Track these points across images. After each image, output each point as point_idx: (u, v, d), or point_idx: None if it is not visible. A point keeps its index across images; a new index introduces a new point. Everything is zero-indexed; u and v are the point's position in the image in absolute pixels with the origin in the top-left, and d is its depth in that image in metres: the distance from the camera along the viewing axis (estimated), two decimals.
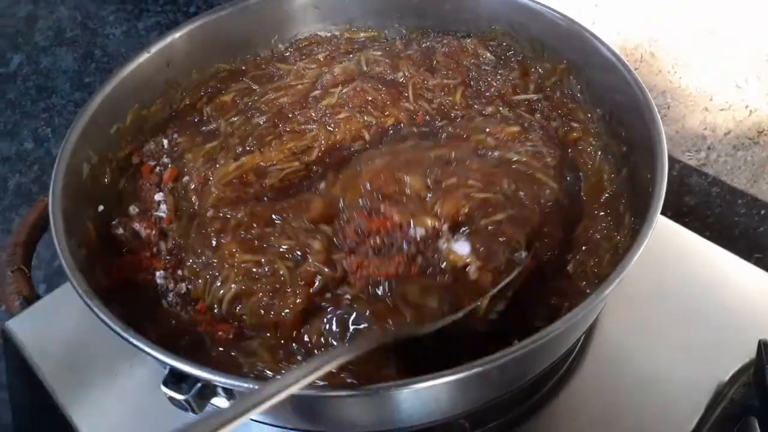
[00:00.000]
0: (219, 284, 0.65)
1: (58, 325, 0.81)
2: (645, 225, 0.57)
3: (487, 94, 0.84)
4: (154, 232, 0.72)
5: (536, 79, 0.85)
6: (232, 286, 0.65)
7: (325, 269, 0.64)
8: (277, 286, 0.64)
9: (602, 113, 0.78)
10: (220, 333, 0.64)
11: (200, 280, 0.67)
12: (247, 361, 0.60)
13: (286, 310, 0.62)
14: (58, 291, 0.84)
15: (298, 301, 0.63)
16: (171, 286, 0.69)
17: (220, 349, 0.62)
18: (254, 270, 0.65)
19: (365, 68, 0.86)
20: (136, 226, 0.72)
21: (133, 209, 0.75)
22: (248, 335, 0.63)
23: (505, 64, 0.87)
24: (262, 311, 0.63)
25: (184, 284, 0.69)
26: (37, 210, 0.88)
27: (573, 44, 0.78)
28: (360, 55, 0.88)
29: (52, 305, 0.83)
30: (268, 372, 0.59)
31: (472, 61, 0.86)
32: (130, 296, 0.66)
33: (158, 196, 0.75)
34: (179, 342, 0.63)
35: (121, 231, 0.72)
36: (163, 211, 0.74)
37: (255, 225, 0.68)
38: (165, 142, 0.80)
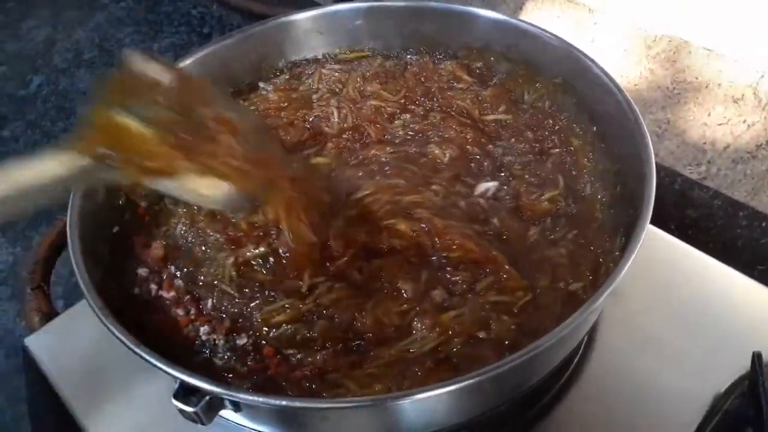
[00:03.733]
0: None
1: (76, 340, 0.84)
2: (632, 240, 0.59)
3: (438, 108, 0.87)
4: (173, 293, 0.71)
5: (520, 99, 0.87)
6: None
7: None
8: None
9: (597, 130, 0.79)
10: (296, 373, 0.64)
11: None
12: (332, 393, 0.61)
13: None
14: (75, 308, 0.87)
15: None
16: (221, 341, 0.66)
17: (302, 385, 0.63)
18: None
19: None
20: (153, 288, 0.71)
21: (142, 271, 0.73)
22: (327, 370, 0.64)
23: (482, 83, 0.89)
24: None
25: (247, 337, 0.66)
26: (56, 229, 0.92)
27: (566, 64, 0.81)
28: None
29: (70, 321, 0.86)
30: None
31: (444, 82, 0.89)
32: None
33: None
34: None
35: (137, 291, 0.71)
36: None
37: None
38: None
